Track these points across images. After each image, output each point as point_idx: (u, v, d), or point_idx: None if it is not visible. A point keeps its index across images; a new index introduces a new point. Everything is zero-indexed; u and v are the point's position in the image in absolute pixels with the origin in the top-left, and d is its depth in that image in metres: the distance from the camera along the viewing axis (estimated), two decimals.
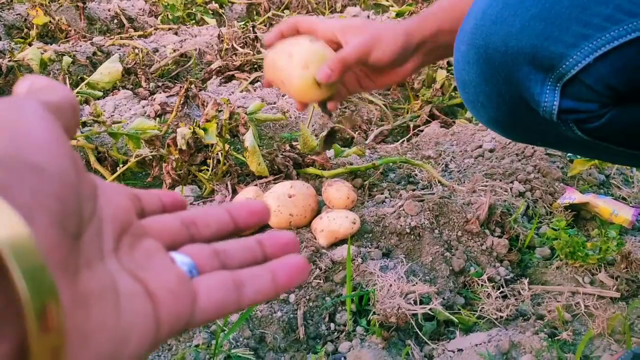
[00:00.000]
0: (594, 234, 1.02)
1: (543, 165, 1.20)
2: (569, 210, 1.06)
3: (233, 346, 0.79)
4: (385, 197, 1.09)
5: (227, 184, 1.04)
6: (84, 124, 1.10)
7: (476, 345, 0.79)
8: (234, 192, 1.05)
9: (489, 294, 0.89)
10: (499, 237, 0.98)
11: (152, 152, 1.02)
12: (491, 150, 1.31)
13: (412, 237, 0.96)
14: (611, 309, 0.85)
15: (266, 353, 0.80)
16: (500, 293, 0.89)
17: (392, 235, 0.96)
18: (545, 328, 0.82)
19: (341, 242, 0.95)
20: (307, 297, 0.86)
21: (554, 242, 0.97)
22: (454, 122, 1.52)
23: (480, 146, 1.33)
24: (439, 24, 0.71)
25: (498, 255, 0.96)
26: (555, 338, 0.80)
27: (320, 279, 0.88)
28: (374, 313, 0.83)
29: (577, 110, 0.53)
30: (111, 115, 1.27)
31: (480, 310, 0.87)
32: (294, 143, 1.22)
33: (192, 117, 1.28)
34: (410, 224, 0.97)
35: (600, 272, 0.91)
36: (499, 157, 1.28)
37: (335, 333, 0.85)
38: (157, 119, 1.18)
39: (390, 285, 0.85)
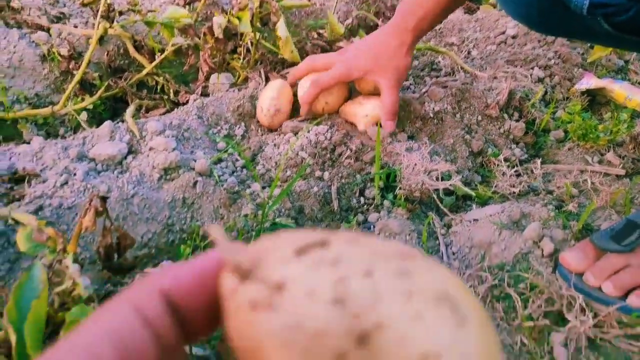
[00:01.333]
0: (607, 118, 1.08)
1: (564, 51, 1.23)
2: (585, 95, 1.11)
3: (277, 216, 0.90)
4: (410, 84, 1.14)
5: (260, 72, 1.10)
6: (120, 13, 1.13)
7: (490, 215, 0.89)
8: (267, 80, 1.11)
9: (504, 172, 0.97)
10: (517, 120, 1.05)
11: (187, 40, 1.06)
12: (514, 37, 1.33)
13: (435, 121, 1.03)
14: (615, 185, 0.94)
15: (305, 222, 0.92)
16: (514, 172, 0.98)
17: (416, 120, 1.03)
18: (553, 201, 0.92)
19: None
20: (340, 175, 0.96)
21: (568, 126, 1.03)
22: (478, 8, 1.51)
23: (503, 32, 1.34)
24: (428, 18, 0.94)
25: (514, 137, 1.03)
26: (562, 209, 0.90)
27: (351, 159, 0.97)
28: (400, 188, 0.93)
29: (607, 4, 0.57)
30: (142, 3, 1.29)
31: (496, 187, 0.96)
32: (320, 31, 1.24)
33: (220, 4, 1.29)
34: (433, 109, 1.03)
35: (608, 152, 0.99)
36: (521, 43, 1.30)
37: (365, 206, 0.95)
38: (187, 7, 1.20)
39: (415, 164, 0.94)
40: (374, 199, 0.95)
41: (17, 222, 0.83)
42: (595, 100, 1.13)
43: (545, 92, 1.14)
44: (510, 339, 0.76)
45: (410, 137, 1.02)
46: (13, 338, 0.46)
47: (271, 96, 1.02)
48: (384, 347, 0.17)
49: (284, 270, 0.19)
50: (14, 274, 0.81)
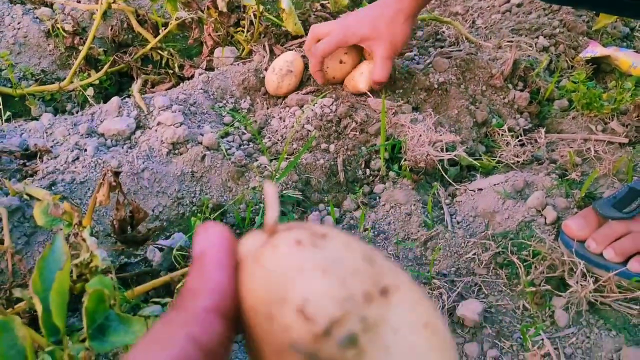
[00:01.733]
0: (611, 86, 1.08)
1: (569, 19, 1.22)
2: (590, 64, 1.11)
3: (284, 188, 0.92)
4: (415, 55, 1.14)
5: (264, 45, 1.10)
6: None
7: (494, 185, 0.91)
8: (272, 53, 1.11)
9: (508, 142, 0.98)
10: (521, 90, 1.05)
11: (190, 14, 1.06)
12: (519, 5, 1.32)
13: (440, 92, 1.03)
14: (618, 153, 0.95)
15: (312, 194, 0.94)
16: (518, 141, 0.99)
17: (421, 91, 1.04)
18: (556, 170, 0.93)
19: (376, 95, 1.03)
20: (345, 147, 0.97)
21: (572, 95, 1.04)
22: None
23: (508, 1, 1.33)
24: None
25: (519, 107, 1.04)
26: (565, 178, 0.91)
27: (356, 131, 0.98)
28: (405, 160, 0.94)
29: None
30: None
31: (500, 156, 0.97)
32: (323, 2, 1.23)
33: None
34: (438, 80, 1.03)
35: (612, 120, 0.99)
36: (526, 11, 1.29)
37: (371, 177, 0.97)
38: None
39: (420, 135, 0.95)
40: (379, 170, 0.96)
41: (31, 197, 0.85)
42: (600, 69, 1.13)
43: (550, 61, 1.13)
44: (513, 304, 0.78)
45: (415, 109, 1.03)
46: (39, 308, 0.48)
47: (286, 59, 1.03)
48: (399, 304, 0.20)
49: (325, 229, 0.22)
50: (31, 247, 0.83)
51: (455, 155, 0.93)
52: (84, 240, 0.70)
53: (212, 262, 0.22)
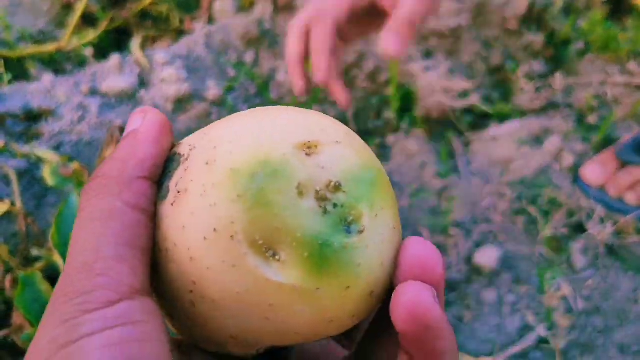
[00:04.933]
0: (630, 26, 1.04)
1: None
2: (608, 3, 1.07)
3: None
4: None
5: None
6: None
7: (510, 131, 0.89)
8: (275, 4, 1.07)
9: (523, 87, 0.96)
10: (536, 34, 1.02)
11: None
12: None
13: (452, 38, 1.00)
14: (637, 96, 0.92)
15: None
16: (534, 86, 0.96)
17: (432, 37, 1.00)
18: (573, 115, 0.91)
19: None
20: (355, 98, 0.95)
21: (589, 37, 1.00)
22: None
23: None
24: None
25: (534, 51, 1.00)
26: (582, 122, 0.89)
27: (366, 81, 0.96)
28: (417, 109, 0.92)
29: None
30: None
31: (515, 102, 0.95)
32: None
33: None
34: (449, 25, 1.00)
35: (630, 62, 0.96)
36: None
37: (382, 128, 0.95)
38: None
39: (432, 83, 0.92)
40: (390, 120, 0.94)
41: (39, 160, 0.84)
42: (619, 8, 1.09)
43: (568, 2, 1.09)
44: (530, 250, 0.78)
45: (427, 56, 1.00)
46: (60, 261, 0.48)
47: None
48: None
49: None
50: (42, 209, 0.83)
51: (468, 105, 0.91)
52: None
53: (145, 138, 0.22)
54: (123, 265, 0.19)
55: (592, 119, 0.89)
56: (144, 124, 0.23)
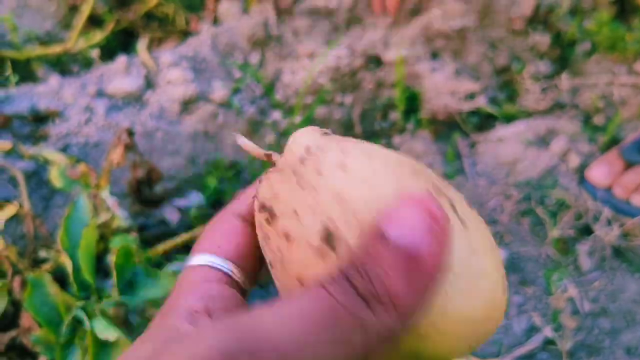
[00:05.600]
0: (636, 26, 1.04)
1: None
2: (614, 3, 1.06)
3: None
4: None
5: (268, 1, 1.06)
6: None
7: (516, 132, 0.89)
8: (277, 8, 1.07)
9: (529, 88, 0.96)
10: (542, 34, 1.02)
11: None
12: None
13: (458, 39, 1.00)
14: None
15: None
16: (540, 87, 0.96)
17: (438, 39, 1.00)
18: (580, 115, 0.91)
19: None
20: (361, 99, 0.95)
21: (595, 37, 1.00)
22: None
23: None
24: None
25: (540, 52, 1.00)
26: (589, 123, 0.89)
27: (372, 83, 0.96)
28: (423, 111, 0.92)
29: None
30: None
31: (521, 103, 0.95)
32: None
33: None
34: (455, 26, 1.00)
35: (636, 62, 0.96)
36: None
37: (388, 130, 0.95)
38: None
39: (438, 85, 0.92)
40: (397, 122, 0.94)
41: (46, 161, 0.85)
42: (625, 8, 1.08)
43: (573, 3, 1.09)
44: (536, 251, 0.78)
45: (433, 57, 0.99)
46: (69, 264, 0.48)
47: None
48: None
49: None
50: (50, 210, 0.83)
51: (475, 105, 0.91)
52: (103, 201, 0.70)
53: (429, 281, 0.19)
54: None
55: (598, 119, 0.88)
56: (431, 255, 0.18)
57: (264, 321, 0.17)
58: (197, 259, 0.24)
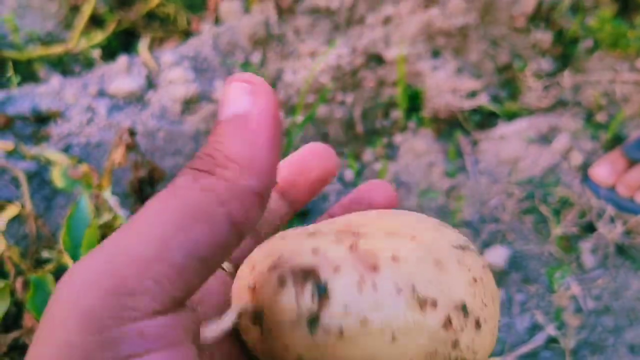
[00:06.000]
0: (638, 23, 1.03)
1: None
2: (616, 1, 1.06)
3: (302, 142, 0.90)
4: None
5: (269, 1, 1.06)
6: None
7: (518, 130, 0.88)
8: (278, 7, 1.07)
9: (531, 86, 0.95)
10: (544, 31, 1.01)
11: None
12: None
13: (460, 37, 1.00)
14: None
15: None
16: (542, 85, 0.96)
17: (440, 37, 1.00)
18: (582, 113, 0.91)
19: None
20: (363, 98, 0.95)
21: (597, 34, 1.00)
22: None
23: None
24: None
25: (542, 49, 1.00)
26: (591, 121, 0.89)
27: (373, 82, 0.96)
28: (425, 109, 0.92)
29: None
30: None
31: (523, 101, 0.94)
32: None
33: None
34: (457, 24, 0.99)
35: (639, 59, 0.96)
36: None
37: (390, 128, 0.95)
38: None
39: (440, 83, 0.92)
40: (398, 120, 0.94)
41: (48, 162, 0.85)
42: (628, 6, 1.08)
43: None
44: (539, 249, 0.77)
45: (434, 55, 0.99)
46: (71, 264, 0.49)
47: None
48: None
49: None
50: (52, 211, 0.83)
51: (476, 103, 0.91)
52: (105, 201, 0.70)
53: (261, 133, 0.19)
54: (180, 277, 0.16)
55: (601, 117, 0.88)
56: (256, 111, 0.19)
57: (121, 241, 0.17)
58: None
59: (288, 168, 0.26)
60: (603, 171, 0.78)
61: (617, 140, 0.86)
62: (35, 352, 0.16)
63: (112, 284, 0.16)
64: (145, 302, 0.16)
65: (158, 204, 0.18)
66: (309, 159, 0.25)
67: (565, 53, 1.01)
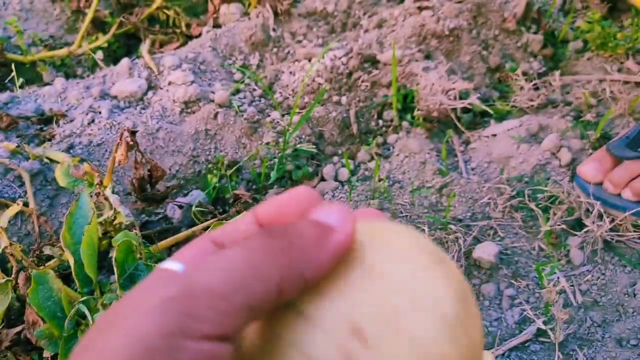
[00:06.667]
0: (627, 25, 1.05)
1: None
2: (605, 3, 1.08)
3: (297, 142, 0.93)
4: None
5: (265, 5, 1.09)
6: None
7: (509, 130, 0.90)
8: (275, 12, 1.10)
9: (522, 86, 0.97)
10: (535, 33, 1.03)
11: None
12: None
13: (451, 38, 1.02)
14: (634, 93, 0.93)
15: (325, 147, 0.94)
16: (532, 85, 0.98)
17: (432, 38, 1.02)
18: (571, 112, 0.93)
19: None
20: (357, 99, 0.97)
21: (587, 35, 1.02)
22: None
23: None
24: None
25: (532, 50, 1.02)
26: (580, 119, 0.91)
27: (368, 83, 0.98)
28: (418, 109, 0.94)
29: None
30: None
31: (514, 101, 0.97)
32: None
33: None
34: (449, 26, 1.02)
35: (628, 60, 0.98)
36: None
37: (384, 128, 0.97)
38: None
39: (432, 84, 0.94)
40: (392, 120, 0.96)
41: (51, 161, 0.87)
42: (616, 7, 1.10)
43: (564, 2, 1.11)
44: (528, 245, 0.79)
45: (427, 57, 1.01)
46: (71, 260, 0.50)
47: None
48: None
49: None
50: (55, 209, 0.85)
51: (468, 103, 0.93)
52: (106, 199, 0.72)
53: (333, 248, 0.23)
54: (235, 317, 0.20)
55: (590, 116, 0.90)
56: (342, 232, 0.23)
57: (197, 275, 0.21)
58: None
59: (270, 209, 0.26)
60: (590, 169, 0.80)
61: (605, 139, 0.88)
62: (105, 339, 0.20)
63: (185, 306, 0.20)
64: (205, 327, 0.19)
65: (232, 253, 0.22)
66: (292, 203, 0.26)
67: (555, 54, 1.03)
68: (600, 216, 0.78)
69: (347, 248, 0.23)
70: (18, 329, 0.67)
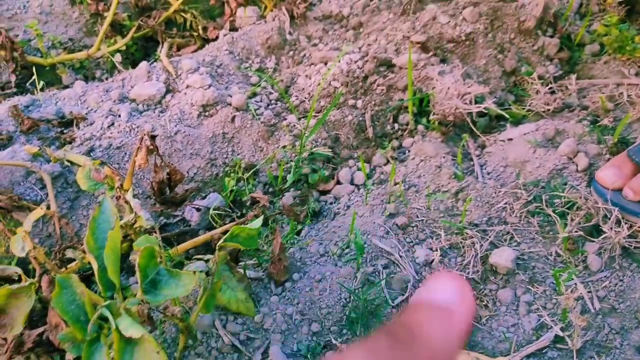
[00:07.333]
0: None
1: None
2: (623, 5, 1.07)
3: (314, 146, 0.93)
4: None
5: (282, 8, 1.09)
6: None
7: (524, 134, 0.90)
8: (292, 17, 1.10)
9: (538, 90, 0.97)
10: (551, 36, 1.03)
11: None
12: None
13: (467, 42, 1.02)
14: None
15: (341, 150, 0.95)
16: (549, 89, 0.98)
17: (448, 42, 1.02)
18: (588, 117, 0.92)
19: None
20: (373, 102, 0.97)
21: (603, 39, 1.01)
22: None
23: None
24: None
25: (549, 54, 1.02)
26: (597, 124, 0.90)
27: (383, 86, 0.98)
28: (434, 113, 0.94)
29: None
30: None
31: (530, 105, 0.96)
32: None
33: None
34: (465, 30, 1.01)
35: None
36: None
37: (399, 132, 0.97)
38: None
39: (448, 88, 0.94)
40: (407, 124, 0.96)
41: (72, 164, 0.89)
42: (634, 10, 1.09)
43: (581, 5, 1.10)
44: (545, 250, 0.79)
45: (442, 61, 1.01)
46: (95, 265, 0.51)
47: None
48: None
49: None
50: (75, 211, 0.87)
51: (484, 108, 0.92)
52: (127, 202, 0.73)
53: (459, 329, 0.22)
54: None
55: (607, 120, 0.90)
56: (462, 309, 0.23)
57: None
58: None
59: None
60: (609, 175, 0.79)
61: (622, 144, 0.87)
62: None
63: None
64: None
65: (360, 352, 0.21)
66: None
67: (571, 57, 1.02)
68: (618, 222, 0.78)
69: (470, 324, 0.23)
70: (40, 330, 0.68)
